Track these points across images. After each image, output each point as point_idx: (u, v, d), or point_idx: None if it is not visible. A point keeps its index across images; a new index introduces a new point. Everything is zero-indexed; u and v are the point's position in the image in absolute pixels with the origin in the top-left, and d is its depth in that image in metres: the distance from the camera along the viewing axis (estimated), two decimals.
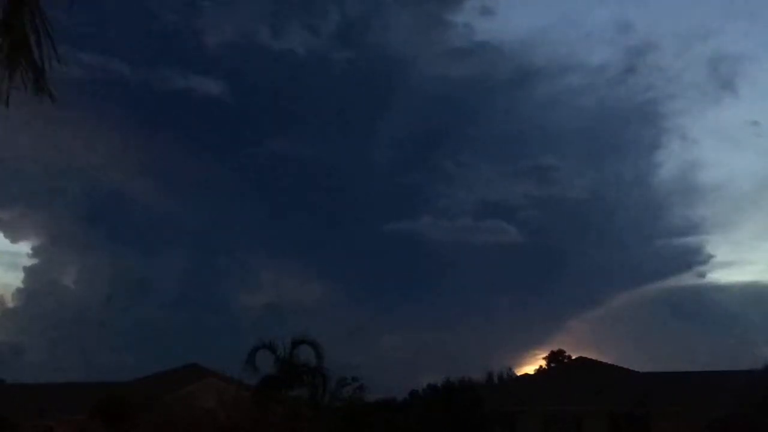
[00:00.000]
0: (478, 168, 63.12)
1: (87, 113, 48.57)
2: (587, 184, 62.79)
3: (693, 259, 59.35)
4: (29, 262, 55.55)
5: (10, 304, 54.04)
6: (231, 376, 29.93)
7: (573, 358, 42.95)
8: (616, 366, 32.49)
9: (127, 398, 26.58)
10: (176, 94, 56.96)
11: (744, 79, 66.13)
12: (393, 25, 62.46)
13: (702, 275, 59.79)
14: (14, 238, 56.41)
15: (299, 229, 59.67)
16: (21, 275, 55.64)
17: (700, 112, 69.20)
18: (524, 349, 55.90)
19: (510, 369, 46.12)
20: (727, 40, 75.58)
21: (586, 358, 36.11)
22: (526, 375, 43.68)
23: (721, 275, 78.61)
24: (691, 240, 61.20)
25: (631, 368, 32.28)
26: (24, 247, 59.26)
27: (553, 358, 48.09)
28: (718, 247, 68.42)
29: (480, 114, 65.51)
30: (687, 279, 61.21)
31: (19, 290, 54.56)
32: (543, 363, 48.65)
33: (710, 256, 59.06)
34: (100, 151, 56.17)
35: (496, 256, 59.59)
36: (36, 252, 56.10)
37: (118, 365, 39.06)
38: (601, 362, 33.59)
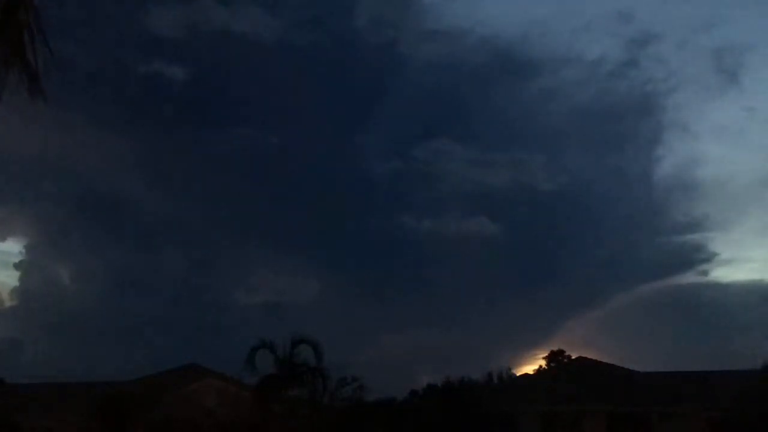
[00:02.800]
0: (472, 161, 62.26)
1: (59, 104, 47.92)
2: (586, 180, 62.53)
3: (696, 257, 58.93)
4: (22, 260, 55.42)
5: (8, 303, 54.09)
6: (231, 376, 29.98)
7: (573, 358, 42.90)
8: (616, 366, 32.46)
9: (127, 398, 26.57)
10: (136, 78, 56.18)
11: (749, 71, 64.95)
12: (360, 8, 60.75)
13: (705, 273, 59.49)
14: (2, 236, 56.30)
15: (289, 225, 59.26)
16: (10, 273, 55.50)
17: (702, 105, 67.97)
18: (524, 349, 55.85)
19: (510, 369, 46.10)
20: (731, 31, 73.19)
21: (586, 358, 36.05)
22: (526, 375, 43.63)
23: (723, 273, 77.75)
24: (693, 238, 60.66)
25: (631, 368, 32.27)
26: (12, 246, 58.94)
27: (553, 358, 47.97)
28: (720, 245, 67.73)
29: (474, 104, 65.12)
30: (689, 277, 60.93)
31: (13, 289, 54.56)
32: (543, 363, 48.59)
33: (714, 254, 58.71)
34: (80, 146, 55.07)
35: (496, 255, 59.51)
36: (28, 250, 55.98)
37: (118, 365, 38.97)
38: (601, 362, 33.55)
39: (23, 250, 56.26)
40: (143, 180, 59.47)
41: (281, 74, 58.81)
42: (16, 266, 54.89)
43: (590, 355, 36.72)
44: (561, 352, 48.02)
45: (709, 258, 58.58)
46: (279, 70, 58.61)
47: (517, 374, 44.87)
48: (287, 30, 59.83)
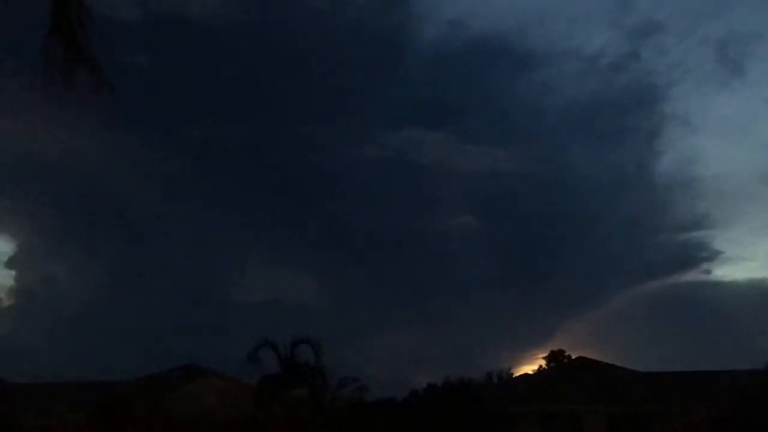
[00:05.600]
0: (470, 156, 61.58)
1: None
2: (585, 176, 62.14)
3: (698, 255, 58.37)
4: (11, 257, 55.13)
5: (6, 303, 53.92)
6: (231, 376, 29.99)
7: (573, 358, 42.88)
8: (616, 366, 32.44)
9: (126, 398, 26.57)
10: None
11: (754, 62, 63.90)
12: None
13: (707, 272, 59.01)
14: None
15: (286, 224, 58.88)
16: (5, 272, 55.14)
17: (705, 98, 66.86)
18: (524, 349, 55.79)
19: (510, 369, 46.10)
20: (736, 20, 71.14)
21: (586, 358, 36.01)
22: (526, 375, 43.60)
23: (725, 272, 76.91)
24: (696, 235, 59.92)
25: (631, 368, 32.25)
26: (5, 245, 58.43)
27: (553, 358, 47.99)
28: (722, 243, 66.82)
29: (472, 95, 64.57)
30: (691, 276, 60.50)
31: (9, 288, 54.37)
32: (543, 363, 48.61)
33: (717, 252, 58.17)
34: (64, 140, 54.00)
35: (496, 254, 59.41)
36: (21, 248, 55.68)
37: (118, 365, 38.87)
38: (601, 362, 33.53)
39: (16, 248, 55.93)
40: (142, 177, 59.21)
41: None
42: (8, 264, 54.58)
43: (590, 355, 36.75)
44: (561, 352, 48.03)
45: (712, 256, 58.09)
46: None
47: (517, 374, 44.95)
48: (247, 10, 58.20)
